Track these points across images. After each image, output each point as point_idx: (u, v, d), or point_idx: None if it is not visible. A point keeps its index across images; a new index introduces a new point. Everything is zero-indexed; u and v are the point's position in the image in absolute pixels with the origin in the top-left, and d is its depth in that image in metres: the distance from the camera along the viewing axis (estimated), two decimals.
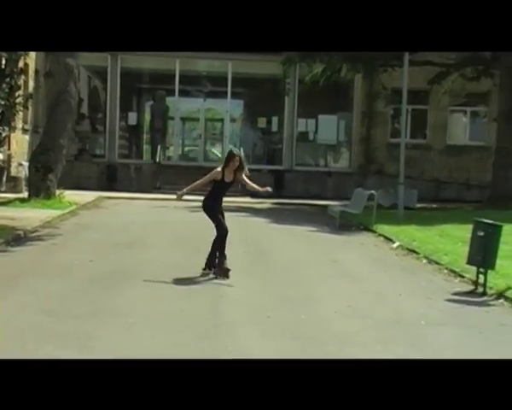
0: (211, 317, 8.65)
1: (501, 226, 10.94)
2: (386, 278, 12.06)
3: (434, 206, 25.18)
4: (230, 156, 11.45)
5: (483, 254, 10.76)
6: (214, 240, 11.41)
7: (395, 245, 15.43)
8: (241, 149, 30.11)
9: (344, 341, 7.83)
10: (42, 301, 8.96)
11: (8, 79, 15.56)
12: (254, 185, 11.84)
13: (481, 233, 10.89)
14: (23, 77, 18.37)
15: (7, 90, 15.63)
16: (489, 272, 10.89)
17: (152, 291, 9.97)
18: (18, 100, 16.21)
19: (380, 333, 8.25)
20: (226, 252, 11.31)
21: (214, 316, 8.70)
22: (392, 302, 9.98)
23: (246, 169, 11.63)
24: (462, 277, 11.76)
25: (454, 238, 15.66)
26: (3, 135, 16.51)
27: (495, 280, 10.97)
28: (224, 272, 11.05)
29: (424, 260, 13.60)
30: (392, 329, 8.48)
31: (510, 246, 14.24)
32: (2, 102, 15.36)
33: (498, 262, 11.19)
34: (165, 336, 7.64)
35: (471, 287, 11.09)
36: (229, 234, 11.40)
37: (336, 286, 11.06)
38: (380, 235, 17.02)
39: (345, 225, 18.84)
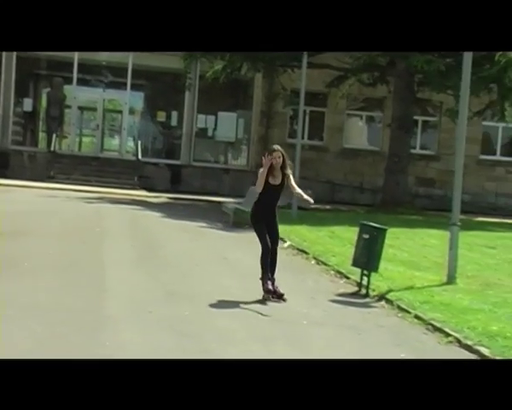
0: (92, 311, 8.49)
1: (385, 230, 11.19)
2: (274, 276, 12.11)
3: (328, 207, 25.58)
4: (270, 153, 9.75)
5: (367, 256, 10.98)
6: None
7: (285, 245, 15.55)
8: (139, 143, 29.96)
9: (224, 338, 7.83)
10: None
11: None
12: (300, 191, 10.04)
13: (366, 236, 11.11)
14: None
15: None
16: (373, 274, 11.12)
17: (32, 283, 9.71)
18: None
19: (261, 331, 8.29)
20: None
21: (95, 310, 8.55)
22: (277, 301, 10.04)
23: (291, 170, 9.96)
24: (348, 278, 11.97)
25: (344, 240, 15.93)
26: None
27: (378, 282, 11.21)
28: (267, 293, 9.73)
29: (313, 261, 13.77)
30: (273, 327, 8.53)
31: (396, 249, 14.65)
32: None
33: (383, 265, 11.46)
34: (44, 329, 7.45)
35: (355, 288, 11.30)
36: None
37: (224, 283, 11.05)
38: None
39: (238, 222, 18.85)
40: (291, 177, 9.84)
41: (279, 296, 9.77)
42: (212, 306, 9.36)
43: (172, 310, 8.87)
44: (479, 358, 7.72)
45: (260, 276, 9.81)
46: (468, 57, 11.82)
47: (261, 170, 9.70)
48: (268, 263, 9.82)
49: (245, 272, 12.35)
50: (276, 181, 9.73)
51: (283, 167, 9.68)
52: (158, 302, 9.23)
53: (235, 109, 31.26)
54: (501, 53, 21.08)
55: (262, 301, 9.86)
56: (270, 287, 9.68)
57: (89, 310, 8.50)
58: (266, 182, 9.64)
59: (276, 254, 10.01)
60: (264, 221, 9.83)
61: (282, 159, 9.64)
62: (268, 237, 9.87)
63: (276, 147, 9.89)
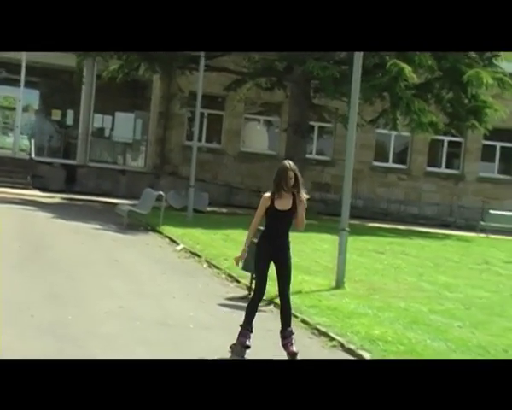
0: None
1: None
2: (164, 279, 12.06)
3: (225, 210, 25.63)
4: (281, 171, 7.71)
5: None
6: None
7: (179, 247, 15.50)
8: (33, 141, 29.20)
9: (108, 342, 7.70)
10: None
11: None
12: (303, 215, 7.92)
13: (255, 240, 11.13)
14: None
15: None
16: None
17: None
18: None
19: (146, 335, 8.20)
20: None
21: None
22: (165, 304, 9.98)
23: (303, 192, 7.80)
24: (239, 282, 12.00)
25: (238, 243, 15.88)
26: None
27: (268, 287, 11.25)
28: (237, 348, 7.81)
29: (205, 264, 13.75)
30: (159, 331, 8.45)
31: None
32: None
33: (273, 269, 11.52)
34: None
35: (245, 292, 11.33)
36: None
37: (112, 286, 10.90)
38: (166, 236, 17.04)
39: (132, 224, 18.69)
40: (304, 201, 7.79)
41: (291, 355, 7.78)
42: (97, 309, 9.19)
43: (55, 314, 8.66)
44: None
45: (242, 323, 7.96)
46: (357, 64, 12.06)
47: (267, 194, 7.81)
48: (255, 312, 7.99)
49: (135, 274, 12.23)
50: (286, 206, 7.75)
51: (296, 189, 7.69)
52: (40, 306, 8.99)
53: (133, 110, 30.92)
54: (392, 62, 21.64)
55: (150, 306, 9.75)
56: (248, 343, 7.83)
57: None
58: (271, 208, 7.73)
59: (288, 301, 8.07)
60: (270, 258, 7.90)
61: (294, 179, 7.67)
62: (265, 281, 8.05)
63: (289, 164, 7.77)
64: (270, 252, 7.85)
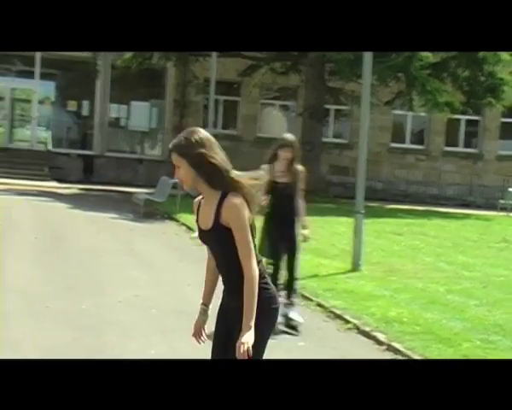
0: None
1: None
2: (180, 267, 12.07)
3: None
4: (280, 145, 7.95)
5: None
6: None
7: (195, 235, 15.47)
8: (50, 133, 29.33)
9: (124, 331, 7.72)
10: None
11: None
12: (302, 207, 8.12)
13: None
14: None
15: None
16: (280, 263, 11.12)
17: None
18: None
19: (162, 323, 8.21)
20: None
21: None
22: (181, 292, 9.98)
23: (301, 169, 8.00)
24: None
25: (256, 229, 15.95)
26: None
27: (284, 271, 11.23)
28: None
29: None
30: (175, 319, 8.45)
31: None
32: None
33: None
34: None
35: None
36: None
37: (128, 275, 10.92)
38: (182, 224, 17.04)
39: (149, 213, 18.71)
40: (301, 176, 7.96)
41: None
42: (112, 298, 9.21)
43: (71, 304, 8.69)
44: (375, 344, 7.83)
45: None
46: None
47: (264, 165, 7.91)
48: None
49: (151, 262, 12.25)
50: (284, 178, 7.90)
51: (291, 164, 7.87)
52: (56, 296, 9.02)
53: (149, 98, 30.90)
54: None
55: (165, 294, 9.76)
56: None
57: None
58: (272, 180, 7.77)
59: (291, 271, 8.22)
60: (277, 233, 7.94)
61: (291, 154, 7.87)
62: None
63: (289, 138, 8.10)
64: (277, 230, 8.03)
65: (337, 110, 30.64)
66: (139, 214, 18.51)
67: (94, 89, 29.67)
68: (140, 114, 30.61)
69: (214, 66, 20.89)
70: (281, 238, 8.05)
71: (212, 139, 4.05)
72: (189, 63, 26.40)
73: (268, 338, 4.08)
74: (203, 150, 3.95)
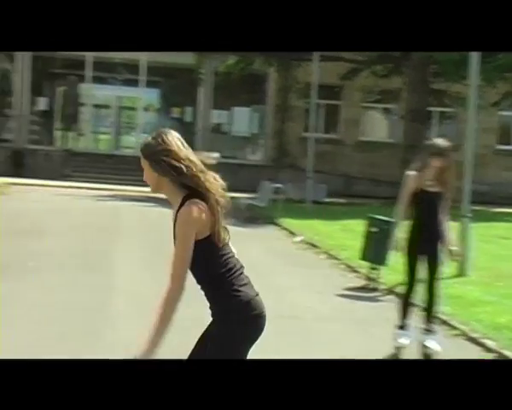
0: (98, 309, 8.47)
1: (394, 222, 11.04)
2: (282, 271, 12.08)
3: (343, 201, 25.43)
4: (431, 152, 7.28)
5: (376, 250, 10.88)
6: None
7: (297, 239, 15.50)
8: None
9: None
10: None
11: None
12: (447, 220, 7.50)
13: (374, 229, 11.01)
14: None
15: None
16: (384, 267, 11.01)
17: (39, 282, 9.71)
18: None
19: (266, 328, 8.21)
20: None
21: (102, 308, 8.53)
22: (284, 297, 9.98)
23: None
24: (358, 272, 11.87)
25: (356, 233, 15.75)
26: None
27: (388, 276, 11.10)
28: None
29: (323, 255, 13.68)
30: (278, 323, 8.44)
31: None
32: None
33: (393, 258, 11.32)
34: (48, 328, 7.45)
35: (365, 282, 11.20)
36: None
37: None
38: (284, 228, 17.08)
39: (251, 217, 18.83)
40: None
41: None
42: None
43: (179, 308, 8.80)
44: (484, 351, 7.61)
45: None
46: None
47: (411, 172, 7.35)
48: (408, 308, 7.44)
49: (254, 267, 12.27)
50: (434, 187, 7.27)
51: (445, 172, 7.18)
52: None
53: (250, 104, 31.18)
54: None
55: (267, 298, 9.78)
56: (404, 341, 7.38)
57: (95, 308, 8.48)
58: (420, 188, 7.23)
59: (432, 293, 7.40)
60: (420, 250, 7.29)
61: (447, 162, 7.19)
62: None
63: (440, 145, 7.35)
64: (420, 245, 7.33)
65: (441, 112, 30.07)
66: (241, 219, 18.64)
67: (197, 95, 30.15)
68: (241, 119, 30.92)
69: (316, 70, 20.85)
70: (424, 252, 7.31)
71: (181, 141, 3.80)
72: (291, 68, 26.44)
73: (243, 345, 3.94)
74: (166, 152, 3.72)
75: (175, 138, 3.78)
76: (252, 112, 31.13)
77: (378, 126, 31.52)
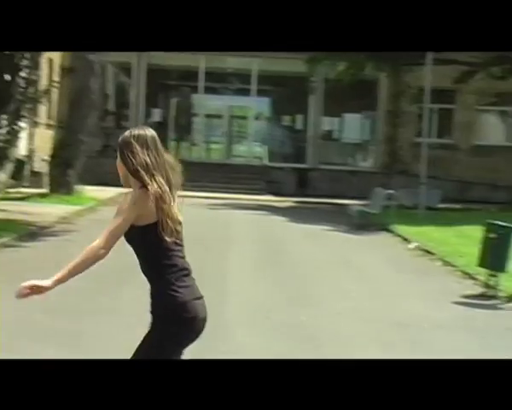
0: (210, 315, 8.52)
1: None
2: (397, 279, 11.88)
3: (458, 206, 24.80)
4: None
5: (494, 256, 10.52)
6: None
7: (411, 246, 15.21)
8: (266, 148, 30.18)
9: (343, 343, 7.69)
10: (43, 299, 8.91)
11: (23, 74, 15.59)
12: None
13: (493, 235, 10.66)
14: (42, 71, 18.39)
15: (23, 84, 15.65)
16: (503, 274, 10.64)
17: None
18: (33, 95, 16.20)
19: (380, 335, 8.09)
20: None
21: (214, 315, 8.57)
22: (399, 304, 9.80)
23: None
24: (475, 279, 11.52)
25: (473, 240, 15.30)
26: (17, 129, 16.42)
27: (508, 283, 10.72)
28: None
29: (438, 262, 13.37)
30: (393, 331, 8.30)
31: None
32: (19, 97, 15.36)
33: None
34: None
35: (482, 290, 10.85)
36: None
37: (345, 287, 10.90)
38: (397, 235, 16.80)
39: (363, 224, 18.61)
40: None
41: None
42: (330, 310, 9.22)
43: (290, 315, 8.80)
44: None
45: None
46: None
47: None
48: None
49: (367, 274, 12.15)
50: None
51: None
52: (277, 308, 9.18)
53: (361, 110, 30.93)
54: None
55: (383, 305, 9.63)
56: None
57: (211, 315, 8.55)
58: None
59: None
60: None
61: None
62: None
63: None
64: None
65: None
66: (353, 226, 18.48)
67: (307, 103, 30.15)
68: (352, 126, 30.73)
69: (428, 74, 20.46)
70: None
71: (150, 139, 3.98)
72: (403, 73, 26.06)
73: (173, 345, 3.94)
74: (131, 146, 3.90)
75: (147, 136, 3.98)
76: (362, 118, 30.89)
77: (494, 130, 30.61)
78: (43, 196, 20.48)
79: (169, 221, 3.92)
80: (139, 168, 3.88)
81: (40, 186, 22.79)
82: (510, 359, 6.34)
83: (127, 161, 3.92)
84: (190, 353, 6.81)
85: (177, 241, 4.00)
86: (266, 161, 29.59)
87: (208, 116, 32.53)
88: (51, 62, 24.88)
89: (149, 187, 3.86)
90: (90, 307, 8.72)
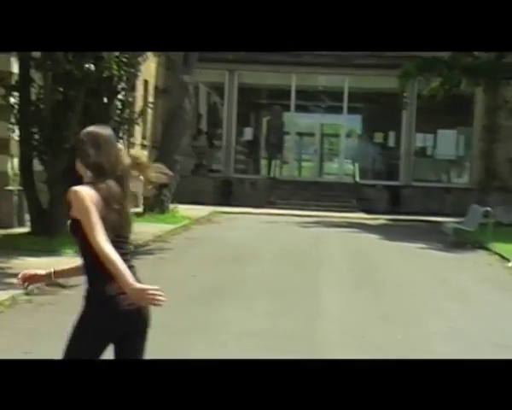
0: (304, 335, 8.50)
1: None
2: (495, 298, 11.55)
3: None
4: None
5: None
6: None
7: (510, 264, 14.79)
8: (357, 165, 29.98)
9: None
10: None
11: (120, 96, 16.01)
12: None
13: None
14: (137, 93, 18.83)
15: (120, 106, 16.06)
16: None
17: (248, 308, 9.92)
18: (129, 116, 16.59)
19: (478, 356, 7.85)
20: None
21: (307, 334, 8.56)
22: (497, 324, 9.52)
23: None
24: None
25: None
26: None
27: None
28: None
29: None
30: (493, 352, 8.05)
31: None
32: (116, 119, 15.76)
33: None
34: (255, 355, 7.55)
35: None
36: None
37: (441, 306, 10.67)
38: (495, 253, 16.36)
39: (458, 242, 18.22)
40: None
41: None
42: (426, 329, 9.04)
43: (386, 335, 8.67)
44: None
45: None
46: None
47: None
48: None
49: (464, 293, 11.86)
50: None
51: None
52: (371, 327, 9.06)
53: (455, 126, 30.37)
54: None
55: (480, 326, 9.37)
56: None
57: (301, 334, 8.53)
58: None
59: None
60: None
61: None
62: None
63: None
64: None
65: None
66: (448, 244, 18.10)
67: (399, 119, 29.82)
68: (446, 142, 30.20)
69: None
70: None
71: (105, 139, 4.02)
72: (500, 87, 25.45)
73: (97, 338, 3.93)
74: (85, 147, 4.00)
75: (101, 136, 4.03)
76: (457, 134, 30.33)
77: None
78: (137, 215, 20.87)
79: (114, 214, 3.96)
80: (91, 167, 3.99)
81: (136, 205, 23.26)
82: None
83: (82, 159, 4.03)
84: None
85: (120, 236, 4.04)
86: (358, 179, 29.38)
87: (299, 134, 32.60)
88: (146, 84, 25.43)
89: (95, 186, 3.93)
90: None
